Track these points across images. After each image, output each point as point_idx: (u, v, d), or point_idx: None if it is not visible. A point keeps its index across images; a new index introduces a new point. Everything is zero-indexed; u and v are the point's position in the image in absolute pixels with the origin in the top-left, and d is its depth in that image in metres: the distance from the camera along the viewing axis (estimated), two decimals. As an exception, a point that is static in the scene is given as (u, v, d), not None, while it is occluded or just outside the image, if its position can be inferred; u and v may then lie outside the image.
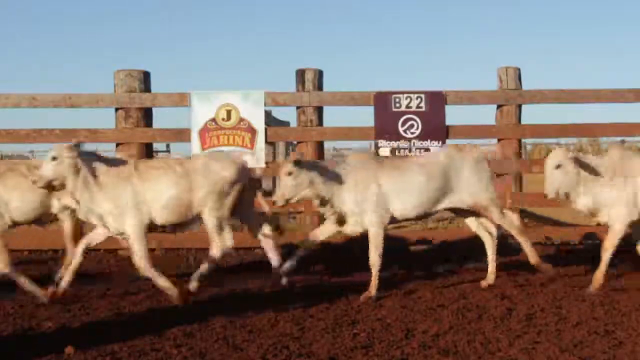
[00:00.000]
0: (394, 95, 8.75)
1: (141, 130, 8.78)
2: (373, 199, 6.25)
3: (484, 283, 6.60)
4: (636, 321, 5.29)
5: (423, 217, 6.75)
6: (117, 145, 8.85)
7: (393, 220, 6.42)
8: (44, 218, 6.53)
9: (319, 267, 7.57)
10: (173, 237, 8.81)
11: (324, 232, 6.52)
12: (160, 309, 5.83)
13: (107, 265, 8.07)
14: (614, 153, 6.49)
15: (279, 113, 11.80)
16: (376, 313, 5.61)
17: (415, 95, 8.76)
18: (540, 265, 6.62)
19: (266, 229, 6.62)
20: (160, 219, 6.18)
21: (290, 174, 6.16)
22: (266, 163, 8.78)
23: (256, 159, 8.63)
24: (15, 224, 6.44)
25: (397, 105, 8.72)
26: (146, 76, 8.92)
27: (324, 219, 6.58)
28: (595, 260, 6.47)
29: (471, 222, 6.78)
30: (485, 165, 6.69)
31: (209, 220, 6.24)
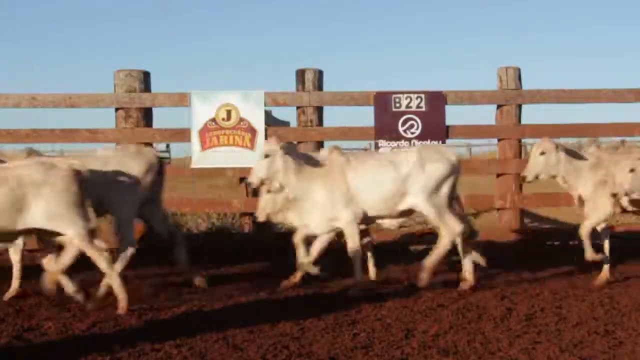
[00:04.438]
0: (394, 95, 8.75)
1: (141, 130, 8.77)
2: None
3: None
4: (636, 321, 5.29)
5: None
6: (117, 145, 8.85)
7: None
8: None
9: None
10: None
11: None
12: (160, 308, 5.82)
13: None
14: None
15: (279, 113, 11.78)
16: (376, 313, 5.62)
17: (415, 95, 8.76)
18: None
19: None
20: None
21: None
22: (266, 163, 8.77)
23: (256, 159, 8.61)
24: None
25: (397, 105, 8.72)
26: (146, 76, 8.92)
27: None
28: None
29: None
30: None
31: None
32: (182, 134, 8.80)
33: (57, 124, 11.57)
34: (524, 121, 9.01)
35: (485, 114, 11.89)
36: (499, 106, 8.99)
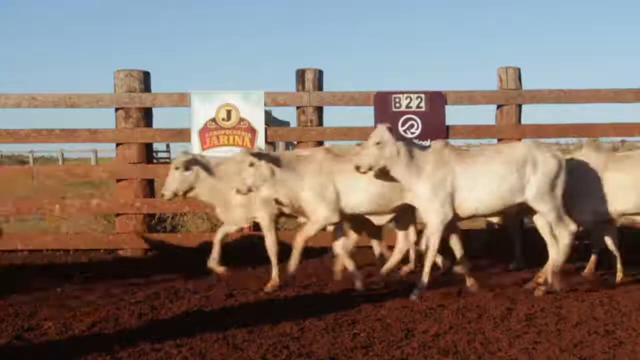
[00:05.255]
0: (394, 95, 8.75)
1: (141, 130, 8.78)
2: None
3: None
4: (636, 321, 5.29)
5: None
6: (117, 145, 8.86)
7: None
8: None
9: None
10: (173, 237, 8.86)
11: None
12: (160, 308, 5.83)
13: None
14: None
15: (279, 113, 11.80)
16: (376, 313, 5.62)
17: (415, 95, 8.76)
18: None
19: None
20: None
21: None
22: (266, 163, 8.77)
23: None
24: None
25: (397, 105, 8.72)
26: (146, 76, 8.92)
27: None
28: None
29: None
30: None
31: None
32: (182, 134, 8.80)
33: (57, 124, 11.59)
34: (524, 121, 9.02)
35: (485, 114, 11.90)
36: (499, 106, 9.00)
